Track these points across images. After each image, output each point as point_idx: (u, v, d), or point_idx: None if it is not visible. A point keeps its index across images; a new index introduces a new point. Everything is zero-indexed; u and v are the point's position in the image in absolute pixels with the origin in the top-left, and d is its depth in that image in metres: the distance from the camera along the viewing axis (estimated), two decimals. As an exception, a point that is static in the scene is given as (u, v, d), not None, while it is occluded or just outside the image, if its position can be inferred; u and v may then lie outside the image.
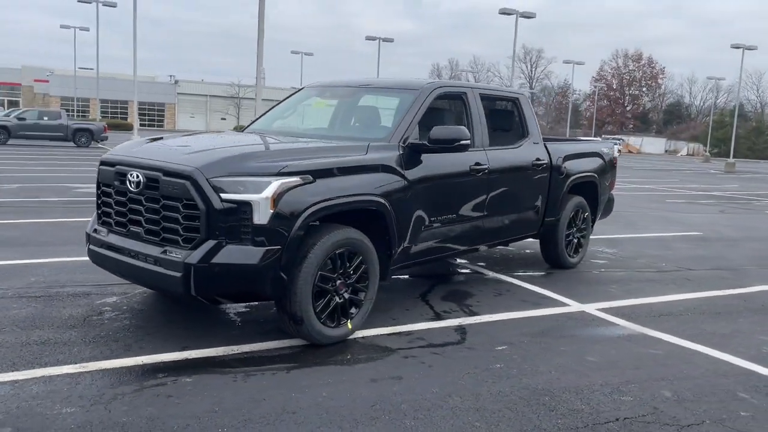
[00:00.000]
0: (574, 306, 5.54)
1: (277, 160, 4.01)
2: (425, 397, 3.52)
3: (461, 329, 4.75)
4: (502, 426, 3.23)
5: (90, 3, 40.65)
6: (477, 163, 5.38)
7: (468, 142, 4.94)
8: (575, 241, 7.04)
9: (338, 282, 4.26)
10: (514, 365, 4.07)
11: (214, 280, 3.80)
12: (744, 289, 6.47)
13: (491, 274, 6.58)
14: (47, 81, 77.32)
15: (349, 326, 4.36)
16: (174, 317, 4.70)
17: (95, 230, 4.52)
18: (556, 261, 6.90)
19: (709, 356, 4.44)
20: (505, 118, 6.32)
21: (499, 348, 4.38)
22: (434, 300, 5.46)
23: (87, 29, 53.75)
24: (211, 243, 3.80)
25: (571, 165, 6.75)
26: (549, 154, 6.42)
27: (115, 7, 40.39)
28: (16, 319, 4.46)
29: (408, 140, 4.81)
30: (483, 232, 5.64)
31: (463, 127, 4.96)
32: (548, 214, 6.52)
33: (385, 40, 49.14)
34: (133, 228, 4.17)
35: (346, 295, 4.33)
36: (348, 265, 4.31)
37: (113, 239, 4.30)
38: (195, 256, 3.78)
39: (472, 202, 5.44)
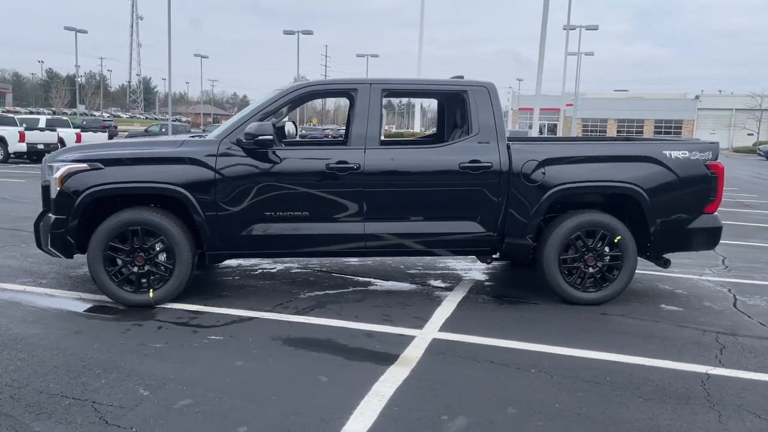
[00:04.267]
0: (423, 331, 4.68)
1: (79, 152, 5.20)
2: (45, 342, 4.26)
3: (244, 319, 4.88)
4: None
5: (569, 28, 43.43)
6: (341, 162, 5.17)
7: (268, 138, 4.97)
8: (588, 271, 5.41)
9: (136, 254, 5.12)
10: (165, 347, 4.23)
11: (39, 238, 5.30)
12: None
13: (462, 295, 5.79)
14: (571, 105, 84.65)
15: (150, 295, 5.15)
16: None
17: None
18: (555, 292, 5.48)
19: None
20: (439, 114, 5.54)
21: (212, 337, 4.48)
22: (311, 299, 5.47)
23: (591, 53, 57.31)
24: (42, 210, 5.33)
25: (557, 171, 5.30)
26: (508, 156, 5.29)
27: (596, 29, 42.23)
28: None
29: (237, 137, 5.17)
30: (362, 236, 5.27)
31: (267, 123, 5.01)
32: (511, 230, 5.35)
33: None
34: None
35: (146, 268, 5.14)
36: (146, 241, 5.11)
37: None
38: (35, 219, 5.38)
39: (336, 203, 5.22)
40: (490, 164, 5.26)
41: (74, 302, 5.29)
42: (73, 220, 5.06)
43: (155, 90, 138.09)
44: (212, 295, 5.52)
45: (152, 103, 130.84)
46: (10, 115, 27.85)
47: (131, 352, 4.14)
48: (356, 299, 5.49)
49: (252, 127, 5.03)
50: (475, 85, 5.48)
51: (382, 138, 5.86)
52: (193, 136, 5.89)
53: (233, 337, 4.49)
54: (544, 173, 5.29)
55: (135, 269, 5.14)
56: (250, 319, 4.92)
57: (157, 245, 5.14)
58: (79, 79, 69.02)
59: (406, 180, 5.28)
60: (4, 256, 6.83)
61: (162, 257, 5.17)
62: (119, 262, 5.12)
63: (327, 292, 5.71)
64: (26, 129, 24.08)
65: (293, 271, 6.46)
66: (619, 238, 5.36)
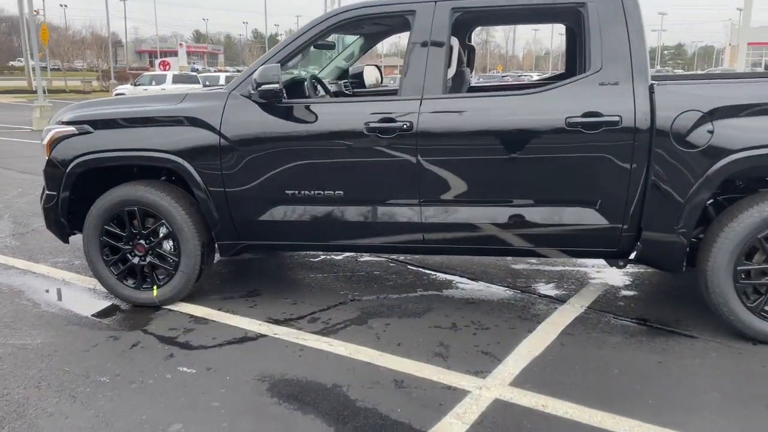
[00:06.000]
0: (486, 382, 3.03)
1: (74, 112, 4.11)
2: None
3: (248, 338, 3.58)
4: None
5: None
6: (385, 119, 3.56)
7: (273, 86, 3.48)
8: (785, 290, 3.30)
9: (136, 242, 4.02)
10: (107, 383, 3.05)
11: (43, 218, 4.40)
12: None
13: (576, 314, 3.96)
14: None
15: (154, 293, 4.05)
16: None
17: None
18: (727, 323, 3.44)
19: None
20: (567, 47, 3.60)
21: (183, 369, 3.23)
22: (356, 308, 4.02)
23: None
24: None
25: (737, 127, 3.20)
26: (649, 105, 3.29)
27: None
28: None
29: (248, 88, 3.77)
30: (418, 227, 3.65)
31: (274, 65, 3.51)
32: (652, 221, 3.39)
33: None
34: None
35: (147, 259, 4.04)
36: (145, 226, 3.99)
37: None
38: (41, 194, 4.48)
39: (380, 178, 3.64)
40: (617, 118, 3.30)
41: (81, 295, 4.37)
42: (63, 196, 4.06)
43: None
44: (239, 293, 4.29)
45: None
46: (193, 73, 29.38)
47: (59, 390, 3.02)
48: (416, 312, 3.91)
49: (257, 72, 3.59)
50: (596, -6, 3.47)
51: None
52: (210, 89, 4.61)
53: (210, 371, 3.20)
54: (711, 131, 3.21)
55: (135, 260, 4.05)
56: (256, 338, 3.59)
57: (160, 231, 4.00)
58: (279, 38, 72.97)
59: (480, 145, 3.50)
60: (69, 228, 6.22)
61: (167, 246, 4.02)
62: (118, 251, 4.07)
63: (384, 296, 4.20)
64: (206, 86, 25.17)
65: (361, 259, 5.01)
66: None
